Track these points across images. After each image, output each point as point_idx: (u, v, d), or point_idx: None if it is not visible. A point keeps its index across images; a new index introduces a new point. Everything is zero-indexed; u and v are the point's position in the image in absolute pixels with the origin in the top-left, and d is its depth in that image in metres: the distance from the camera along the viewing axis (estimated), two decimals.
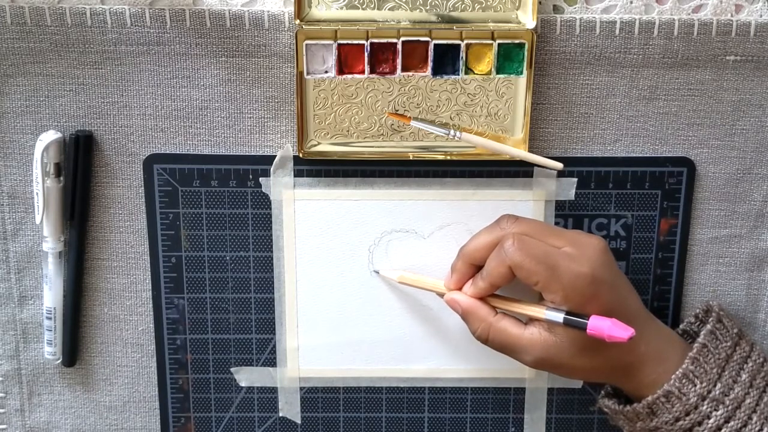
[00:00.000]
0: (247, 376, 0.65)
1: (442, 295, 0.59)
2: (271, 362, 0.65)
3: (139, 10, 0.58)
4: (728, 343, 0.58)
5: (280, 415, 0.66)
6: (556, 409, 0.66)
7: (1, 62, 0.59)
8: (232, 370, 0.65)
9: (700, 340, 0.57)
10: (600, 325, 0.52)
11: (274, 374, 0.65)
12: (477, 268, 0.58)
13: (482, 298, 0.57)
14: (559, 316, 0.54)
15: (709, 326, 0.58)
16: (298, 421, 0.66)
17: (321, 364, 0.65)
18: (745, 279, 0.64)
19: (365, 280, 0.63)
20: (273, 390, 0.66)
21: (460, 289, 0.58)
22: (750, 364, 0.57)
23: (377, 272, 0.63)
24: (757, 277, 0.64)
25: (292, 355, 0.65)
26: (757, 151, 0.62)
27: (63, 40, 0.59)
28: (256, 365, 0.65)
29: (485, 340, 0.57)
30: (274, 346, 0.65)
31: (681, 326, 0.62)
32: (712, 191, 0.62)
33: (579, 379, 0.64)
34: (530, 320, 0.56)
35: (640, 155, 0.62)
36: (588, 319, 0.53)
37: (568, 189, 0.62)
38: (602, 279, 0.54)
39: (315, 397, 0.66)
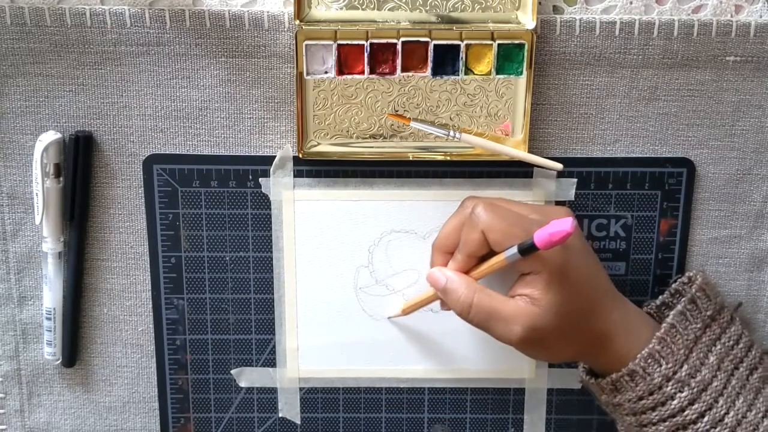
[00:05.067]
0: (246, 377, 0.65)
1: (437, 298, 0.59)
2: (271, 363, 0.65)
3: (139, 11, 0.58)
4: (698, 325, 0.57)
5: (280, 415, 0.66)
6: (556, 409, 0.66)
7: (1, 62, 0.59)
8: (232, 371, 0.65)
9: (668, 320, 0.57)
10: (542, 231, 0.52)
11: (274, 375, 0.65)
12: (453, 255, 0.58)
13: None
14: (513, 250, 0.53)
15: (680, 306, 0.57)
16: (298, 422, 0.66)
17: (320, 364, 0.65)
18: (745, 279, 0.64)
19: (365, 280, 0.63)
20: (273, 390, 0.66)
21: None
22: (719, 347, 0.57)
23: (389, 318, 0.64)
24: (757, 277, 0.64)
25: (292, 355, 0.65)
26: (757, 151, 0.62)
27: (63, 40, 0.59)
28: (256, 366, 0.65)
29: (467, 313, 0.55)
30: (274, 346, 0.65)
31: (660, 298, 0.62)
32: (712, 191, 0.62)
33: (559, 360, 0.60)
34: (512, 295, 0.55)
35: (640, 156, 0.62)
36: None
37: (568, 189, 0.62)
38: (573, 246, 0.54)
39: (315, 397, 0.66)
